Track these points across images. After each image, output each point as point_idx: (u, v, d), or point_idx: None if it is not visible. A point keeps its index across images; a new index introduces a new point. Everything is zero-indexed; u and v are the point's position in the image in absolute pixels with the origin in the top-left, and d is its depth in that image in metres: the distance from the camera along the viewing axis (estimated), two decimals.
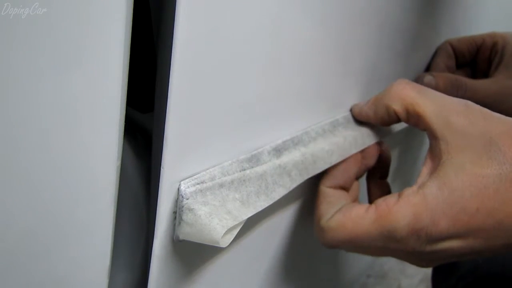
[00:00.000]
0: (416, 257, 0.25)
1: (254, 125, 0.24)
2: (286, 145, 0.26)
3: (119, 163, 0.19)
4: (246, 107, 0.23)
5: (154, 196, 0.21)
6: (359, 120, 0.32)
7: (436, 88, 0.40)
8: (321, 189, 0.29)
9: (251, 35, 0.21)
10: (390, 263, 0.70)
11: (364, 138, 0.31)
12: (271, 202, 0.24)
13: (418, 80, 0.42)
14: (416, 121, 0.27)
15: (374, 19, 0.31)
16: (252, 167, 0.24)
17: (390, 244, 0.25)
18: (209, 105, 0.20)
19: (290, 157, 0.26)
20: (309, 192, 0.32)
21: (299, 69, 0.25)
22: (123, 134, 0.18)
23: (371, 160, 0.32)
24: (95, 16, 0.15)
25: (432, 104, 0.26)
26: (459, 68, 0.45)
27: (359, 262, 0.53)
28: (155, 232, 0.21)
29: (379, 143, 0.33)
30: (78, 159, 0.17)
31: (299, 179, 0.26)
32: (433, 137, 0.26)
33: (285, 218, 0.31)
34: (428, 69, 0.46)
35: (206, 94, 0.20)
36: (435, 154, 0.25)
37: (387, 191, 0.34)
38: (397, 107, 0.28)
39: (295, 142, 0.27)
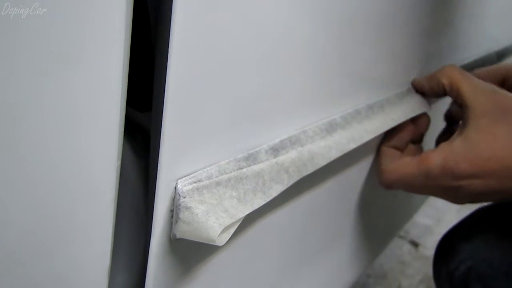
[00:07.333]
0: (448, 193, 0.34)
1: (251, 124, 0.24)
2: (283, 144, 0.26)
3: (119, 163, 0.19)
4: (243, 106, 0.23)
5: (152, 194, 0.21)
6: (364, 116, 0.35)
7: None
8: (382, 148, 0.40)
9: (248, 35, 0.21)
10: (390, 263, 0.70)
11: (362, 134, 0.32)
12: (268, 200, 0.24)
13: None
14: (456, 95, 0.36)
15: (374, 18, 0.31)
16: (249, 165, 0.24)
17: (428, 181, 0.34)
18: (206, 104, 0.20)
19: (287, 155, 0.26)
20: (306, 192, 0.33)
21: (297, 69, 0.25)
22: (123, 134, 0.18)
23: (424, 128, 0.42)
24: (95, 16, 0.15)
25: (470, 85, 0.35)
26: None
27: (358, 262, 0.53)
28: (152, 230, 0.21)
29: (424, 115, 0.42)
30: (78, 159, 0.17)
31: (297, 175, 0.26)
32: (466, 107, 0.35)
33: (281, 217, 0.31)
34: None
35: (203, 93, 0.20)
36: (465, 121, 0.34)
37: None
38: (446, 81, 0.37)
39: (293, 141, 0.27)
